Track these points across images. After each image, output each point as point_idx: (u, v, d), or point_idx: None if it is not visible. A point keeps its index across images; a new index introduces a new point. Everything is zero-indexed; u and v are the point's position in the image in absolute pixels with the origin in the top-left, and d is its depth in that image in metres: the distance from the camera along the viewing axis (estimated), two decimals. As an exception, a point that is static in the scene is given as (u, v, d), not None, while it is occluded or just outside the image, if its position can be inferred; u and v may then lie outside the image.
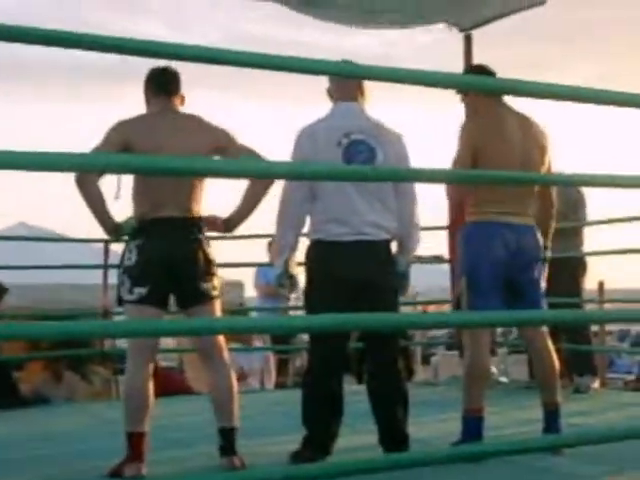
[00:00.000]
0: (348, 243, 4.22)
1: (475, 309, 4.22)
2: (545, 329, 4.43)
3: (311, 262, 4.35)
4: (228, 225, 4.22)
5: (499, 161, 4.21)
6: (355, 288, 4.21)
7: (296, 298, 8.48)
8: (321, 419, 4.28)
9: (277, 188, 4.29)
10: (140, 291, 4.00)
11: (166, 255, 3.98)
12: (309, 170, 2.87)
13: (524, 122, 4.41)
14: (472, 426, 4.20)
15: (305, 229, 4.39)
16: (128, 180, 4.12)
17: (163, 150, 3.96)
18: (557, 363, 4.43)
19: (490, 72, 4.51)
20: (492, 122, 4.38)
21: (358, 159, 4.24)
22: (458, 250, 4.41)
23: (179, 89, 4.27)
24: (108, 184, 4.04)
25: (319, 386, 4.29)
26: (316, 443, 4.23)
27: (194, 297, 4.08)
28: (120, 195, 4.10)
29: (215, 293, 4.13)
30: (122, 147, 3.99)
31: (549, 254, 4.49)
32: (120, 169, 2.53)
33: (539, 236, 4.41)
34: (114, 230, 4.13)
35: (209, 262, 4.11)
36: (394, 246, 4.42)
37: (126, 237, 4.14)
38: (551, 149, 4.47)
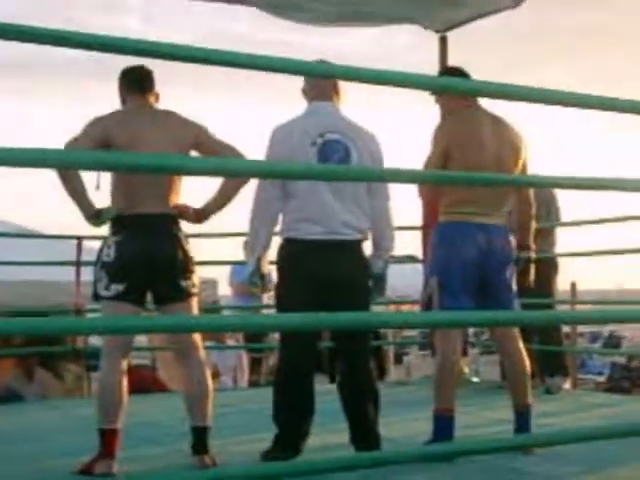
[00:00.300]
0: (320, 242, 4.23)
1: (446, 309, 4.23)
2: (516, 330, 4.46)
3: (283, 261, 4.35)
4: (200, 215, 4.21)
5: (472, 162, 4.23)
6: (327, 287, 4.21)
7: (269, 297, 8.50)
8: (292, 418, 4.29)
9: (251, 186, 4.29)
10: (117, 287, 3.99)
11: (145, 252, 3.97)
12: (283, 169, 2.88)
13: (498, 124, 4.44)
14: (443, 425, 4.22)
15: (278, 228, 4.39)
16: (107, 173, 4.11)
17: (141, 144, 3.96)
18: (528, 364, 4.46)
19: (464, 74, 4.54)
20: (465, 124, 4.41)
21: (333, 159, 4.25)
22: (430, 250, 4.42)
23: (153, 87, 4.28)
24: (88, 174, 4.04)
25: (290, 385, 4.29)
26: (287, 442, 4.24)
27: (172, 294, 4.07)
28: (100, 186, 4.10)
29: (194, 290, 4.14)
30: (100, 141, 3.99)
31: (533, 254, 4.52)
32: (97, 166, 2.52)
33: (511, 237, 4.44)
34: (95, 216, 4.10)
35: (188, 259, 4.11)
36: (368, 247, 4.43)
37: (107, 225, 4.11)
38: (525, 151, 4.50)
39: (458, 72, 4.57)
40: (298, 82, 4.50)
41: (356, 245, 4.34)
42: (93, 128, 4.04)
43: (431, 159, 4.33)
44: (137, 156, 2.95)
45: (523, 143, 4.49)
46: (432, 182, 4.04)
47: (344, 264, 4.25)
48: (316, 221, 4.23)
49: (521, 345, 4.46)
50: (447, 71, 5.00)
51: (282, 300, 4.35)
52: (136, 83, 4.23)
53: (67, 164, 2.32)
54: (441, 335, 4.34)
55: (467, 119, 4.44)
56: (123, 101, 4.28)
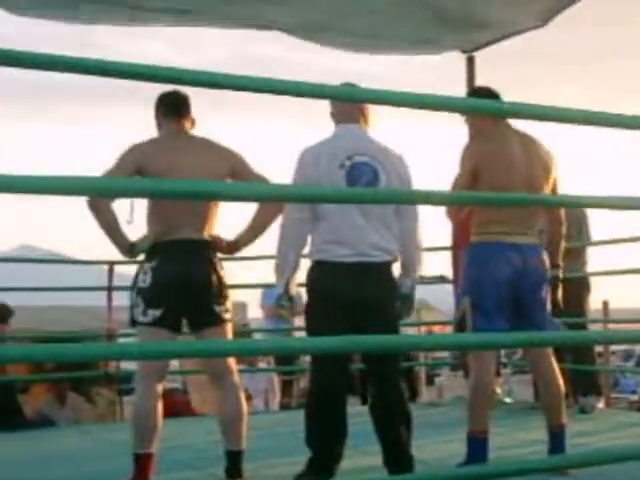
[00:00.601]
0: (350, 264, 4.23)
1: (479, 330, 4.21)
2: (550, 350, 4.43)
3: (312, 283, 4.36)
4: (232, 247, 4.24)
5: (501, 182, 4.22)
6: (356, 309, 4.21)
7: (300, 319, 8.50)
8: (325, 441, 4.28)
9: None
10: (154, 313, 4.00)
11: (181, 277, 3.99)
12: (313, 193, 2.89)
13: (528, 143, 4.43)
14: (477, 447, 4.20)
15: (306, 250, 4.40)
16: (141, 203, 4.14)
17: (177, 172, 3.97)
18: (562, 384, 4.43)
19: (494, 94, 4.52)
20: (494, 143, 4.40)
21: (361, 181, 4.26)
22: (461, 270, 4.41)
23: (189, 112, 4.29)
24: (121, 205, 4.06)
25: (322, 408, 4.29)
26: (320, 465, 4.23)
27: (207, 319, 4.08)
28: (133, 219, 4.12)
29: (227, 316, 4.14)
30: (135, 170, 4.01)
31: (561, 273, 4.49)
32: (136, 194, 2.54)
33: (545, 256, 4.41)
34: (129, 250, 4.13)
35: (222, 285, 4.12)
36: (397, 268, 4.43)
37: (142, 255, 4.14)
38: (556, 170, 4.48)
39: (487, 92, 4.55)
40: (311, 104, 4.52)
41: (385, 267, 4.34)
42: (128, 156, 4.06)
43: (459, 180, 4.32)
44: (172, 183, 2.97)
45: (553, 161, 4.47)
46: (462, 203, 4.02)
47: (373, 286, 4.25)
48: (345, 243, 4.23)
49: (555, 365, 4.43)
50: (476, 91, 4.94)
51: (312, 322, 4.34)
52: (172, 109, 4.25)
53: (102, 191, 2.34)
54: (475, 356, 4.32)
55: (495, 138, 4.42)
56: (159, 125, 4.31)
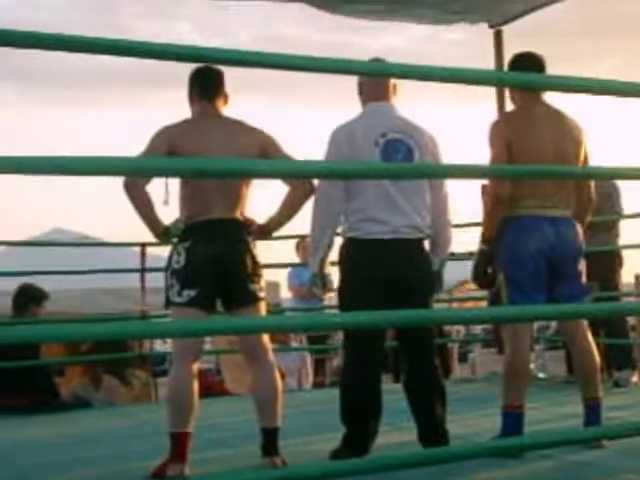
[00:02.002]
0: (384, 241, 4.23)
1: (514, 304, 4.20)
2: (585, 323, 4.41)
3: (346, 260, 4.36)
4: (263, 230, 4.24)
5: (531, 155, 4.19)
6: (390, 287, 4.21)
7: (330, 298, 8.51)
8: (360, 417, 4.29)
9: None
10: (189, 293, 4.01)
11: (215, 257, 4.00)
12: (350, 169, 2.88)
13: (558, 117, 4.39)
14: (512, 421, 4.19)
15: (340, 228, 4.40)
16: (174, 186, 4.15)
17: (209, 153, 3.97)
18: (598, 357, 4.41)
19: (537, 61, 4.41)
20: (524, 117, 4.36)
21: (396, 158, 4.25)
22: (497, 245, 4.37)
23: (221, 90, 4.27)
24: (155, 189, 4.08)
25: (357, 385, 4.29)
26: (356, 441, 4.24)
27: (242, 298, 4.09)
28: (169, 200, 4.13)
29: (262, 295, 4.15)
30: (167, 152, 4.01)
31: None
32: (171, 172, 2.55)
33: (579, 229, 4.38)
34: (163, 233, 4.15)
35: (256, 264, 4.13)
36: (427, 244, 4.43)
37: (174, 240, 4.16)
38: (587, 144, 4.44)
39: (530, 60, 4.39)
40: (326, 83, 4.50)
41: (418, 244, 4.34)
42: (159, 138, 4.06)
43: (495, 154, 4.26)
44: (206, 161, 2.98)
45: (583, 135, 4.43)
46: (498, 177, 3.96)
47: (407, 264, 4.25)
48: (379, 220, 4.23)
49: (590, 338, 4.41)
50: (517, 59, 4.50)
51: (346, 299, 4.35)
52: (203, 88, 4.24)
53: (136, 170, 2.35)
54: (509, 331, 4.30)
55: (526, 112, 4.38)
56: (191, 101, 4.29)
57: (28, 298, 7.52)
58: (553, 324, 8.64)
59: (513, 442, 3.49)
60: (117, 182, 4.01)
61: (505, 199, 4.21)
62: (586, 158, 4.42)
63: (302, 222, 4.44)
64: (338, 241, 4.43)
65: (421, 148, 4.32)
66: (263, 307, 4.17)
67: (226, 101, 4.29)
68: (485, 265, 4.33)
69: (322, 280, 4.39)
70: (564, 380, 7.24)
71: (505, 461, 3.88)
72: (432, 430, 4.28)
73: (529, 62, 4.37)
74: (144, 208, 4.08)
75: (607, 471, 3.79)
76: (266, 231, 4.26)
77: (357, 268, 4.28)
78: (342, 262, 4.38)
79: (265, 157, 4.13)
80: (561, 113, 4.41)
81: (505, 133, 4.29)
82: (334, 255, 4.43)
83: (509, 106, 4.75)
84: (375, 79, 4.37)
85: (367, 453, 4.20)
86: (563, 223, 4.30)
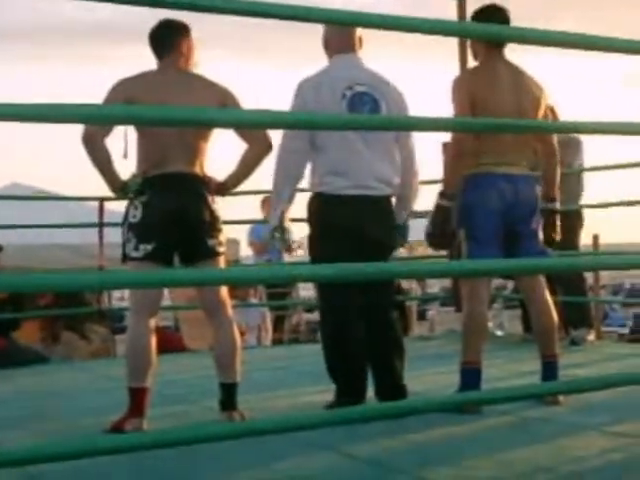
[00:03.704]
0: (352, 197, 4.21)
1: (473, 258, 4.22)
2: (543, 280, 4.44)
3: (314, 214, 4.34)
4: (222, 188, 4.20)
5: (493, 111, 4.19)
6: (358, 242, 4.21)
7: (290, 255, 8.50)
8: (347, 366, 4.27)
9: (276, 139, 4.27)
10: (146, 247, 3.98)
11: (173, 211, 3.96)
12: (312, 119, 2.85)
13: (519, 74, 4.39)
14: (470, 378, 4.22)
15: (306, 182, 4.37)
16: (133, 138, 4.09)
17: (168, 105, 3.92)
18: (555, 315, 4.45)
19: (501, 13, 4.36)
20: (487, 73, 4.36)
21: (362, 110, 4.23)
22: (456, 202, 4.37)
23: (183, 43, 4.18)
24: (114, 142, 4.02)
25: (340, 333, 4.27)
26: (350, 390, 4.22)
27: (200, 253, 4.06)
28: (127, 153, 4.08)
29: (221, 249, 4.13)
30: (125, 103, 3.96)
31: (558, 205, 4.46)
32: (125, 120, 2.51)
33: (537, 186, 4.40)
34: (121, 188, 4.10)
35: (215, 218, 4.09)
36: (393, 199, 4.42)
37: (132, 194, 4.11)
38: (545, 102, 4.45)
39: (494, 11, 4.36)
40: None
41: (386, 201, 4.33)
42: (115, 92, 4.00)
43: (460, 109, 4.24)
44: (167, 109, 2.93)
45: (544, 93, 4.44)
46: (463, 129, 3.92)
47: (373, 220, 4.25)
48: (347, 175, 4.21)
49: (548, 295, 4.44)
50: (482, 11, 4.44)
51: (315, 252, 4.35)
52: (157, 43, 4.18)
53: (93, 117, 2.30)
54: (468, 287, 4.32)
55: (487, 68, 4.37)
56: (155, 57, 4.21)
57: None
58: (510, 284, 8.70)
59: (471, 397, 3.50)
60: (75, 134, 3.95)
61: (467, 154, 4.21)
62: (546, 117, 4.42)
63: (269, 179, 4.41)
64: (304, 197, 4.41)
65: (387, 101, 4.30)
66: (222, 262, 4.14)
67: (189, 54, 4.20)
68: (443, 222, 4.29)
69: (282, 233, 4.34)
70: (521, 338, 7.30)
71: (462, 417, 3.91)
72: (390, 385, 4.29)
73: (494, 15, 4.34)
74: (102, 162, 4.02)
75: (567, 427, 3.83)
76: (224, 188, 4.21)
77: (325, 222, 4.27)
78: (311, 216, 4.37)
79: None
80: (522, 71, 4.41)
81: (469, 87, 4.28)
82: (296, 212, 4.42)
83: (471, 63, 4.74)
84: (341, 31, 4.33)
85: (364, 400, 4.18)
86: (522, 180, 4.32)
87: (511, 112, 4.23)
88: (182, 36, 4.20)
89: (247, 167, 4.19)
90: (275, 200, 4.35)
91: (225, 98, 4.10)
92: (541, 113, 4.39)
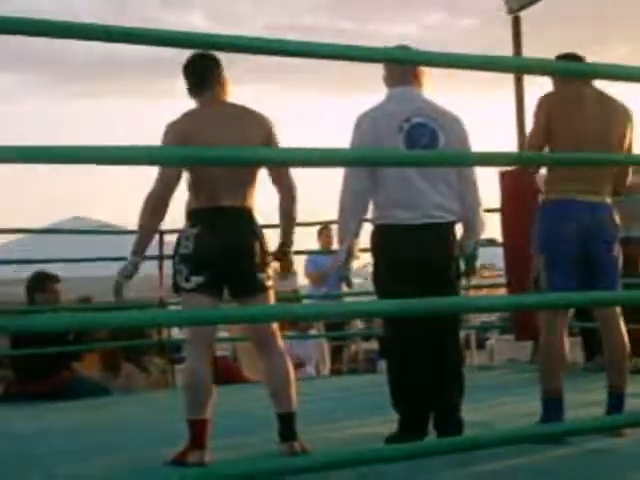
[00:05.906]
0: (415, 226, 4.22)
1: (554, 287, 4.18)
2: (619, 311, 4.37)
3: (378, 247, 4.35)
4: (284, 250, 4.28)
5: (574, 136, 4.16)
6: (421, 271, 4.20)
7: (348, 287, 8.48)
8: (411, 399, 4.25)
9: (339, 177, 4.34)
10: (197, 279, 4.01)
11: (224, 244, 3.99)
12: (375, 156, 2.86)
13: (605, 100, 4.33)
14: (552, 408, 4.16)
15: (369, 215, 4.39)
16: (183, 176, 4.12)
17: (219, 142, 3.95)
18: (628, 345, 4.37)
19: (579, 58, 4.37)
20: (569, 97, 4.32)
21: (420, 143, 4.24)
22: (534, 229, 4.35)
23: (220, 75, 4.20)
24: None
25: (406, 363, 4.24)
26: (412, 424, 4.20)
27: (249, 287, 4.09)
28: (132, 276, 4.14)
29: (269, 283, 4.14)
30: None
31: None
32: (185, 160, 2.54)
33: (616, 215, 4.34)
34: (129, 276, 4.15)
35: (264, 252, 4.13)
36: (459, 228, 4.41)
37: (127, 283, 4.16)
38: (633, 128, 4.38)
39: (574, 58, 4.38)
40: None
41: (449, 227, 4.33)
42: (167, 139, 4.03)
43: (532, 137, 4.24)
44: (220, 150, 2.97)
45: (631, 120, 4.38)
46: (526, 164, 3.91)
47: (437, 247, 4.25)
48: (408, 207, 4.22)
49: (623, 326, 4.36)
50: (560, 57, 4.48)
51: (380, 284, 4.36)
52: (197, 77, 4.19)
53: (155, 158, 2.34)
54: (547, 317, 4.26)
55: (569, 92, 4.34)
56: (191, 93, 4.23)
57: (36, 282, 7.54)
58: (570, 312, 8.58)
59: (552, 429, 3.45)
60: (140, 169, 3.99)
61: (549, 181, 4.19)
62: (630, 144, 4.36)
63: (326, 210, 4.47)
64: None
65: (446, 131, 4.29)
66: (271, 296, 4.16)
67: (226, 87, 4.22)
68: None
69: (348, 270, 4.41)
70: (582, 367, 7.20)
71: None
72: (446, 416, 4.25)
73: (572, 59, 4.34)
74: (150, 228, 4.15)
75: (626, 458, 3.76)
76: (286, 248, 4.30)
77: (390, 254, 4.27)
78: (375, 249, 4.38)
79: (268, 144, 4.11)
80: (609, 96, 4.35)
81: (547, 107, 4.27)
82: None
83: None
84: (397, 65, 4.34)
85: (425, 435, 4.16)
86: (601, 209, 4.26)
87: (594, 137, 4.19)
88: (219, 68, 4.23)
89: (292, 218, 4.28)
90: (341, 235, 4.39)
91: (271, 130, 4.14)
92: (627, 140, 4.34)
